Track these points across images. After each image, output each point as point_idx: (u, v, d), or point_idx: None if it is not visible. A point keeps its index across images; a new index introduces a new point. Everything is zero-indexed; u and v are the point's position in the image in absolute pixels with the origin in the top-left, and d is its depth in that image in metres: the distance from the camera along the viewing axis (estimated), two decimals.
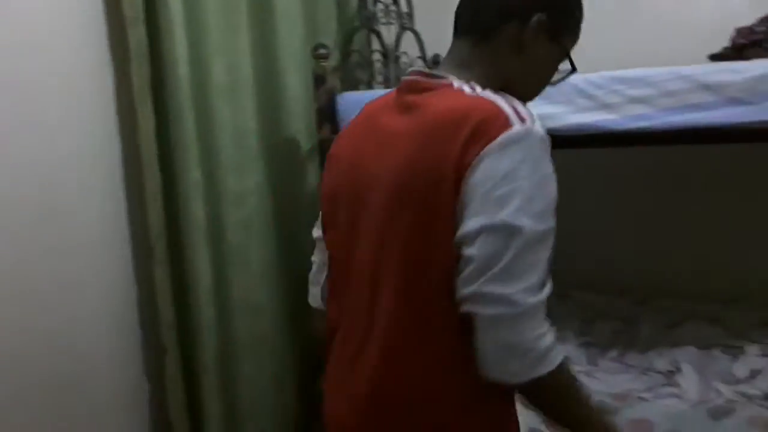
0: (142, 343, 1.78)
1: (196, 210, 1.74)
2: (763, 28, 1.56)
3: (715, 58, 1.65)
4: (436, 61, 2.46)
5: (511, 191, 0.77)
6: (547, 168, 0.82)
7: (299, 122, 2.03)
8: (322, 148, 1.87)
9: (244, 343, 1.87)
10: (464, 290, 0.79)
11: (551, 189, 0.82)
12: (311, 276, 1.27)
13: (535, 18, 0.91)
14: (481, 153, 0.78)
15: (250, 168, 1.90)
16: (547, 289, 0.81)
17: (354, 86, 2.05)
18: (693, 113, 1.38)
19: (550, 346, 0.79)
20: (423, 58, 2.39)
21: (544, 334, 0.79)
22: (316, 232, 1.21)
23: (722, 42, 1.67)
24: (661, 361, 1.79)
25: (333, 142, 1.12)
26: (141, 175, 1.67)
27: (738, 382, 1.67)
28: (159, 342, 1.73)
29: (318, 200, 1.14)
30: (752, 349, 1.78)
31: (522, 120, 0.80)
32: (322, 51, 1.81)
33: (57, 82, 1.55)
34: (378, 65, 2.17)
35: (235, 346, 1.86)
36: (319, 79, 1.82)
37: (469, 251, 0.78)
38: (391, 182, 0.88)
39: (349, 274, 0.98)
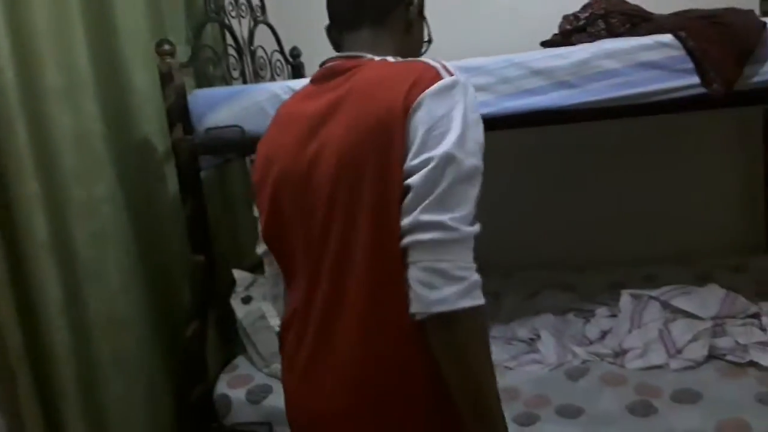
0: None
1: (36, 225, 1.59)
2: (586, 14, 1.69)
3: (546, 44, 1.77)
4: (294, 54, 2.43)
5: (446, 130, 0.83)
6: (476, 113, 0.89)
7: (152, 123, 1.91)
8: (177, 150, 1.79)
9: (109, 362, 1.75)
10: (404, 221, 0.83)
11: (480, 131, 0.89)
12: (268, 293, 1.21)
13: None
14: (419, 98, 0.85)
15: (99, 175, 1.76)
16: (477, 227, 0.85)
17: (210, 83, 1.97)
18: (528, 98, 1.47)
19: (478, 281, 0.82)
20: (281, 51, 2.36)
21: (474, 268, 0.83)
22: (260, 248, 1.17)
23: (554, 29, 1.78)
24: (522, 330, 1.91)
25: (256, 151, 1.08)
26: None
27: (590, 343, 1.81)
28: (10, 374, 1.58)
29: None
30: (601, 311, 1.94)
31: (450, 74, 0.88)
32: (166, 47, 1.72)
33: None
34: (232, 60, 2.10)
35: (99, 367, 1.73)
36: (166, 77, 1.73)
37: (410, 182, 0.83)
38: (335, 151, 0.91)
39: (302, 262, 0.98)
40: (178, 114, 1.75)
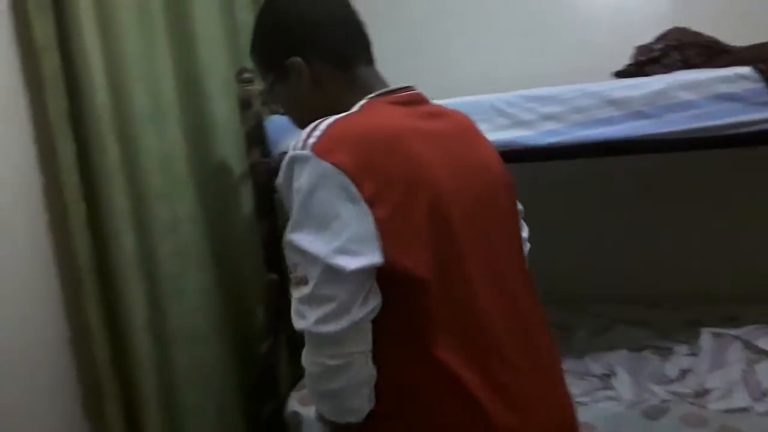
0: (78, 384, 1.72)
1: (125, 241, 1.70)
2: (660, 46, 1.65)
3: (619, 75, 1.73)
4: None
5: None
6: None
7: (229, 147, 2.01)
8: (254, 172, 1.86)
9: (186, 374, 1.83)
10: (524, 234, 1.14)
11: None
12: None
13: None
14: None
15: (181, 195, 1.86)
16: None
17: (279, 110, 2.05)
18: (600, 128, 1.44)
19: None
20: None
21: None
22: (366, 260, 0.83)
23: (624, 59, 1.75)
24: (596, 365, 1.84)
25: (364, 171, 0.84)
26: (64, 206, 1.62)
27: (670, 382, 1.73)
28: (97, 382, 1.68)
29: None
30: (681, 349, 1.84)
31: None
32: (246, 75, 1.80)
33: None
34: None
35: (177, 378, 1.82)
36: (244, 104, 1.82)
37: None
38: (500, 171, 1.02)
39: (484, 281, 0.89)
40: (256, 138, 1.83)
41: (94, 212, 1.68)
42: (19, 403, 1.56)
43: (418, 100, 0.97)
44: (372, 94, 0.95)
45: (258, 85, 1.88)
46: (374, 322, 0.86)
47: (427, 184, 0.86)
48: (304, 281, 0.84)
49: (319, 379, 0.89)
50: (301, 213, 0.84)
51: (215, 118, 1.96)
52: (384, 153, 0.84)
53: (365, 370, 0.88)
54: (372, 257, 0.81)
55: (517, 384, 0.90)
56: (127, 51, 1.71)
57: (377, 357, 0.88)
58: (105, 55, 1.67)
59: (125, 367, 1.73)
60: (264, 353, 1.88)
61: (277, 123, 1.86)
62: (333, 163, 0.82)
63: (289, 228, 0.87)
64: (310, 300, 0.83)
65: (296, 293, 0.86)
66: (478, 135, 1.04)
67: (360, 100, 0.94)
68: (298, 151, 0.85)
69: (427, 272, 0.84)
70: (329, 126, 0.85)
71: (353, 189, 0.81)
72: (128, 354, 1.72)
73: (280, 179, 0.88)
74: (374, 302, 0.84)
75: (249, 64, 2.01)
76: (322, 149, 0.83)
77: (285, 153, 1.79)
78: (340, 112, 0.90)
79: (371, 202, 0.82)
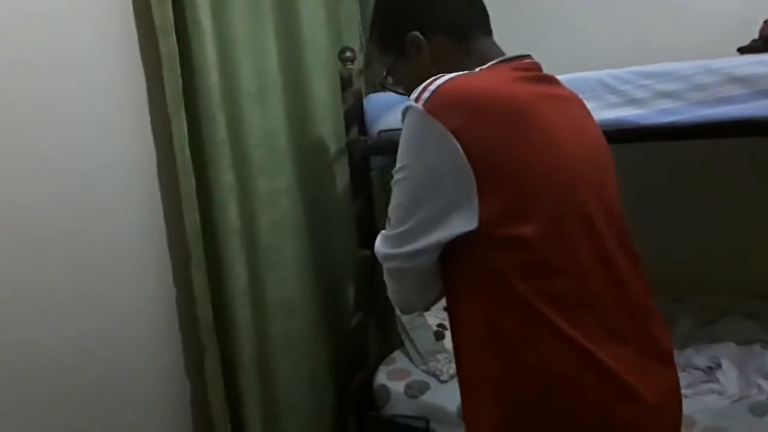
0: (183, 344, 1.84)
1: (230, 213, 1.79)
2: None
3: (743, 50, 1.61)
4: None
5: None
6: None
7: (327, 125, 2.06)
8: (351, 150, 1.89)
9: (280, 343, 1.91)
10: None
11: None
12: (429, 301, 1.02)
13: None
14: None
15: (280, 170, 1.94)
16: None
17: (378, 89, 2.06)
18: (723, 107, 1.36)
19: None
20: None
21: None
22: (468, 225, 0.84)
23: (751, 34, 1.62)
24: (700, 357, 1.76)
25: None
26: (176, 180, 1.73)
27: None
28: (198, 343, 1.79)
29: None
30: None
31: None
32: (348, 54, 1.83)
33: (93, 92, 1.61)
34: None
35: (271, 346, 1.90)
36: (345, 82, 1.85)
37: None
38: (609, 156, 0.99)
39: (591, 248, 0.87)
40: (355, 116, 1.86)
41: (203, 185, 1.77)
42: (129, 360, 1.69)
43: (536, 69, 0.96)
44: (491, 62, 0.94)
45: (358, 65, 1.91)
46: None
47: (560, 145, 0.86)
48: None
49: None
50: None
51: (315, 97, 2.01)
52: (503, 127, 0.83)
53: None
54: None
55: (629, 357, 0.87)
56: (237, 33, 1.79)
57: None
58: (217, 36, 1.75)
59: (225, 331, 1.83)
60: (354, 327, 1.92)
61: (375, 102, 1.88)
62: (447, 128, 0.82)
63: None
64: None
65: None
66: (589, 111, 1.02)
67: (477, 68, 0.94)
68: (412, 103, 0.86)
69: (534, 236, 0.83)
70: (440, 85, 0.84)
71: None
72: (229, 318, 1.82)
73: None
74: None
75: (351, 42, 2.06)
76: (433, 107, 0.83)
77: (383, 131, 1.84)
78: None
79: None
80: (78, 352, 1.56)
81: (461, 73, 0.88)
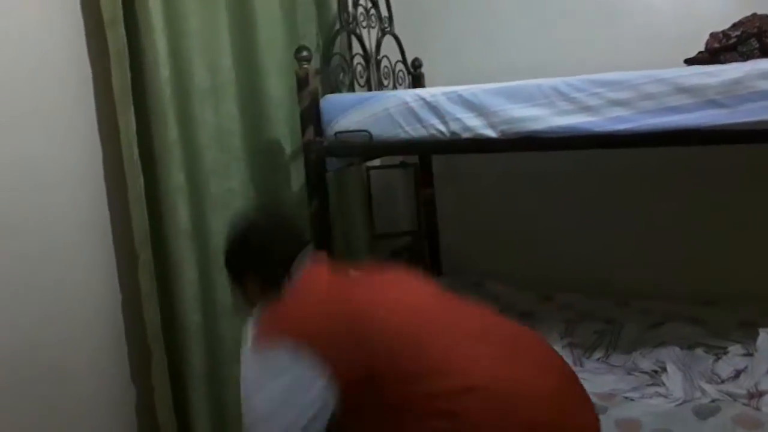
0: (129, 348, 1.78)
1: (180, 214, 1.73)
2: (737, 33, 1.58)
3: (690, 62, 1.67)
4: (416, 65, 2.47)
5: None
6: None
7: (282, 125, 2.02)
8: (307, 151, 1.86)
9: (231, 348, 1.85)
10: None
11: None
12: None
13: None
14: None
15: (234, 170, 1.89)
16: None
17: (336, 89, 2.05)
18: (671, 116, 1.40)
19: None
20: (404, 62, 2.40)
21: None
22: None
23: (696, 47, 1.69)
24: (645, 361, 1.80)
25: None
26: (124, 180, 1.66)
27: (722, 381, 1.68)
28: (145, 347, 1.73)
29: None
30: (735, 349, 1.78)
31: None
32: (304, 53, 1.80)
33: (37, 86, 1.54)
34: (359, 68, 2.16)
35: (222, 350, 1.85)
36: (302, 82, 1.82)
37: None
38: None
39: None
40: (311, 117, 1.83)
41: (152, 185, 1.72)
42: (73, 362, 1.63)
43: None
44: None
45: (315, 64, 1.89)
46: None
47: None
48: None
49: None
50: None
51: (271, 96, 1.98)
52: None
53: None
54: None
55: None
56: (189, 28, 1.74)
57: None
58: (168, 31, 1.69)
59: (174, 336, 1.77)
60: None
61: (332, 102, 1.86)
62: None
63: None
64: None
65: None
66: None
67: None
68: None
69: None
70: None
71: None
72: (177, 323, 1.76)
73: None
74: None
75: (307, 42, 2.03)
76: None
77: (340, 132, 1.82)
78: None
79: None
80: (22, 346, 1.51)
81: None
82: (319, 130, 1.85)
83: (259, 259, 1.24)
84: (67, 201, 1.62)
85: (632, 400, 1.63)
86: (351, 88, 2.11)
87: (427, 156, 2.48)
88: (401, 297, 1.19)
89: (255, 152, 1.98)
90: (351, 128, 1.81)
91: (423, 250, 2.52)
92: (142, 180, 1.66)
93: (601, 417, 1.53)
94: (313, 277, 1.19)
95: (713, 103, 1.37)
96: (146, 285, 1.69)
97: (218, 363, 1.84)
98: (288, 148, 2.06)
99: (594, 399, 1.60)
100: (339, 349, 1.06)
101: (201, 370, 1.78)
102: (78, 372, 1.65)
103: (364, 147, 1.83)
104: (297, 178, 2.06)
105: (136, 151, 1.64)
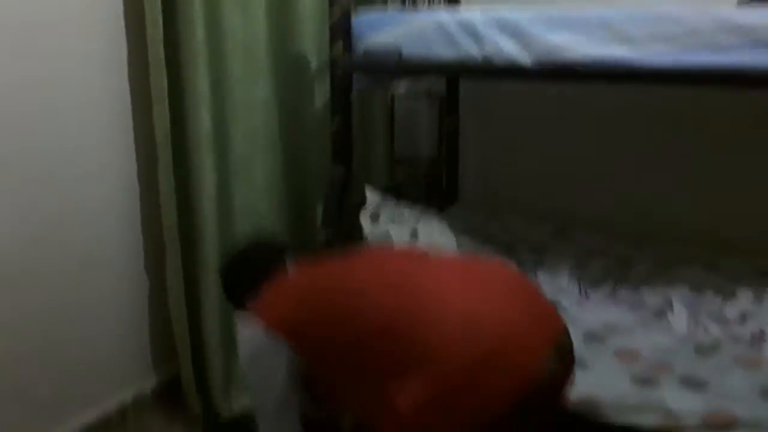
0: (144, 243, 1.84)
1: (203, 117, 1.73)
2: None
3: (743, 2, 1.59)
4: None
5: None
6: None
7: (310, 39, 1.99)
8: (335, 66, 1.83)
9: None
10: None
11: None
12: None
13: None
14: None
15: (258, 80, 1.88)
16: None
17: (369, 3, 1.98)
18: (718, 54, 1.34)
19: None
20: None
21: None
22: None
23: None
24: (653, 297, 1.81)
25: None
26: (147, 80, 1.66)
27: (727, 322, 1.68)
28: (160, 243, 1.77)
29: None
30: (745, 293, 1.78)
31: None
32: None
33: None
34: None
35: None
36: None
37: None
38: None
39: None
40: (341, 32, 1.78)
41: (176, 88, 1.71)
42: (94, 254, 1.71)
43: None
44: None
45: None
46: None
47: None
48: None
49: None
50: None
51: (301, 7, 1.94)
52: None
53: None
54: None
55: None
56: None
57: None
58: None
59: (189, 235, 1.80)
60: (322, 242, 1.92)
61: (363, 19, 1.80)
62: None
63: None
64: None
65: None
66: None
67: None
68: None
69: None
70: None
71: None
72: (193, 223, 1.79)
73: None
74: None
75: None
76: None
77: (370, 50, 1.78)
78: None
79: None
80: (51, 240, 1.58)
81: None
82: (348, 46, 1.81)
83: (247, 279, 1.38)
84: (90, 96, 1.64)
85: (635, 333, 1.66)
86: (384, 5, 2.04)
87: (455, 83, 2.42)
88: (371, 275, 1.24)
89: (280, 65, 1.96)
90: (381, 46, 1.77)
91: (441, 177, 2.52)
92: (166, 81, 1.65)
93: (600, 346, 1.58)
94: (286, 273, 1.36)
95: (764, 44, 1.31)
96: (164, 185, 1.72)
97: None
98: (314, 63, 2.03)
99: (596, 328, 1.65)
100: (303, 325, 1.21)
101: (213, 266, 1.80)
102: (99, 263, 1.72)
103: (394, 65, 1.79)
104: (320, 94, 2.05)
105: (162, 50, 1.63)
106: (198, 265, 1.81)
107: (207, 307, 1.82)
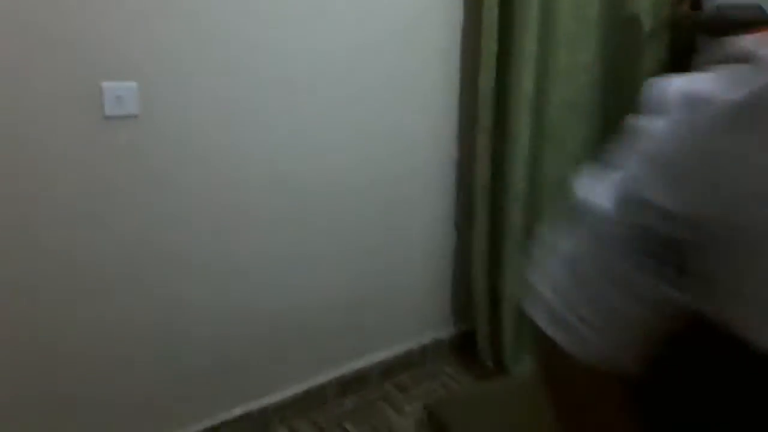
0: (456, 200, 1.94)
1: (525, 82, 1.73)
2: None
3: None
4: None
5: None
6: None
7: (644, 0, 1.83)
8: (675, 26, 1.66)
9: (546, 220, 1.88)
10: None
11: None
12: None
13: None
14: None
15: (584, 43, 1.80)
16: None
17: None
18: None
19: None
20: None
21: None
22: None
23: None
24: None
25: None
26: (478, 42, 1.71)
27: None
28: (470, 202, 1.86)
29: None
30: None
31: None
32: None
33: None
34: None
35: (540, 222, 1.87)
36: None
37: None
38: None
39: None
40: None
41: (504, 48, 1.73)
42: (407, 200, 1.85)
43: None
44: None
45: None
46: None
47: None
48: None
49: None
50: None
51: None
52: None
53: None
54: None
55: None
56: None
57: None
58: None
59: (497, 197, 1.85)
60: None
61: None
62: None
63: None
64: None
65: None
66: None
67: None
68: None
69: None
70: None
71: None
72: (503, 185, 1.82)
73: None
74: None
75: None
76: None
77: (723, 6, 1.57)
78: None
79: None
80: (369, 183, 1.74)
81: None
82: (697, 3, 1.61)
83: None
84: (425, 57, 1.75)
85: None
86: None
87: None
88: None
89: (610, 26, 1.84)
90: (738, 2, 1.54)
91: None
92: (496, 44, 1.69)
93: None
94: None
95: None
96: (482, 147, 1.78)
97: (533, 230, 1.86)
98: (647, 24, 1.86)
99: None
100: None
101: (519, 231, 1.83)
102: (414, 221, 1.86)
103: (751, 24, 1.54)
104: (651, 58, 1.88)
105: (496, 13, 1.66)
106: (503, 228, 1.86)
107: (507, 271, 1.87)
